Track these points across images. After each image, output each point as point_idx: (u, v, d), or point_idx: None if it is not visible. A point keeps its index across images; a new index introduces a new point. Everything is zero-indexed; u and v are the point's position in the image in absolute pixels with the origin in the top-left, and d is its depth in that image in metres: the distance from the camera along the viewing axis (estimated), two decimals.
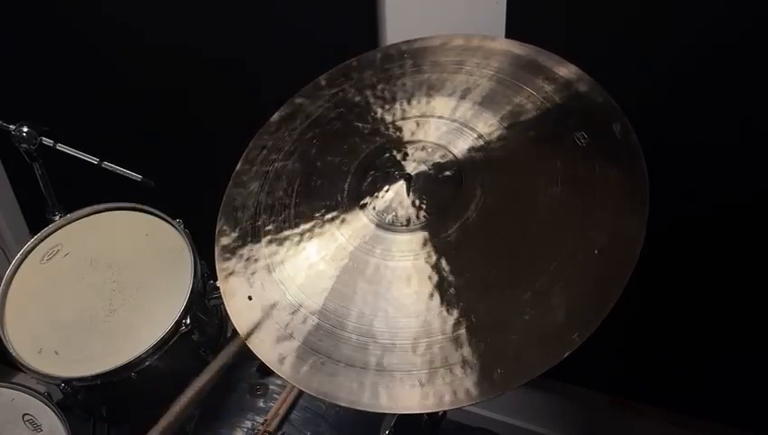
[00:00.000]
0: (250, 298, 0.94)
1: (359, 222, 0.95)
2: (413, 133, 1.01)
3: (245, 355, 0.93)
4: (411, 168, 0.96)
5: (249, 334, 0.91)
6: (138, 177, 1.43)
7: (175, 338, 1.24)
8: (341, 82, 1.10)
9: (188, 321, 1.25)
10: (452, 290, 0.86)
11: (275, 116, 1.11)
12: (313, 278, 0.92)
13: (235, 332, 0.93)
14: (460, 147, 0.96)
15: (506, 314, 0.82)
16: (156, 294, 1.31)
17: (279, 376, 0.88)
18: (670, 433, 1.57)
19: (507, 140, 0.94)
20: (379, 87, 1.07)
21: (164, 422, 0.87)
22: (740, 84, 1.14)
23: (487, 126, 0.96)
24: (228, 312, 0.95)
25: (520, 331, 0.81)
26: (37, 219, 1.52)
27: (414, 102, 1.03)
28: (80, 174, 1.44)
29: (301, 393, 1.25)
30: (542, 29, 1.20)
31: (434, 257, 0.89)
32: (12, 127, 1.42)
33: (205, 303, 1.35)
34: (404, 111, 1.03)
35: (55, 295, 1.34)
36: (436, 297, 0.86)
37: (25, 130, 1.41)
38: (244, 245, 0.99)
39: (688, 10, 1.10)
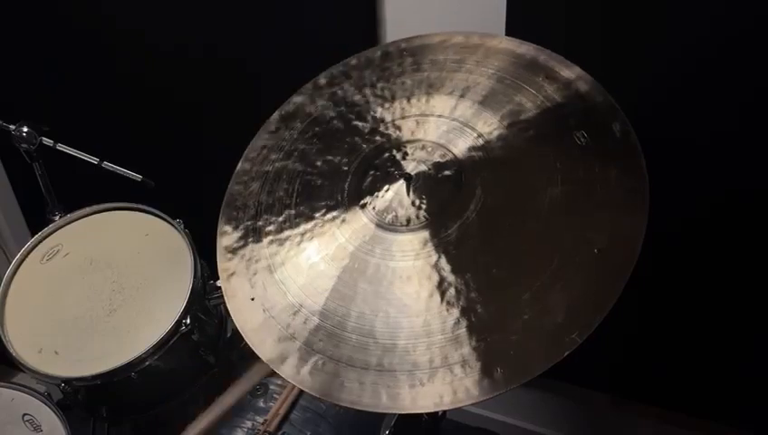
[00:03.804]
0: (252, 299, 0.94)
1: (359, 222, 0.95)
2: (413, 132, 1.01)
3: (246, 356, 0.93)
4: (411, 167, 0.96)
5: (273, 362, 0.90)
6: (138, 177, 1.43)
7: (175, 338, 1.24)
8: (341, 81, 1.10)
9: (188, 321, 1.25)
10: (452, 290, 0.86)
11: (275, 115, 1.11)
12: (314, 278, 0.92)
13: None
14: (460, 146, 0.96)
15: (506, 313, 0.82)
16: (156, 294, 1.31)
17: (279, 376, 0.88)
18: (670, 433, 1.57)
19: (507, 139, 0.94)
20: (379, 86, 1.07)
21: None
22: (740, 84, 1.14)
23: (487, 125, 0.96)
24: (230, 312, 0.95)
25: (520, 330, 0.81)
26: (37, 219, 1.52)
27: (414, 101, 1.03)
28: (80, 174, 1.44)
29: (301, 393, 1.25)
30: (542, 28, 1.20)
31: (434, 257, 0.89)
32: (12, 127, 1.42)
33: (205, 303, 1.35)
34: (403, 109, 1.03)
35: (55, 295, 1.34)
36: (436, 297, 0.86)
37: (25, 130, 1.42)
38: (245, 245, 0.99)
39: (688, 10, 1.10)
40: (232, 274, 0.98)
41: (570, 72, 0.97)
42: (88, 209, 1.47)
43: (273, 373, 0.89)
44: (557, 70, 0.97)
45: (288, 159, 1.05)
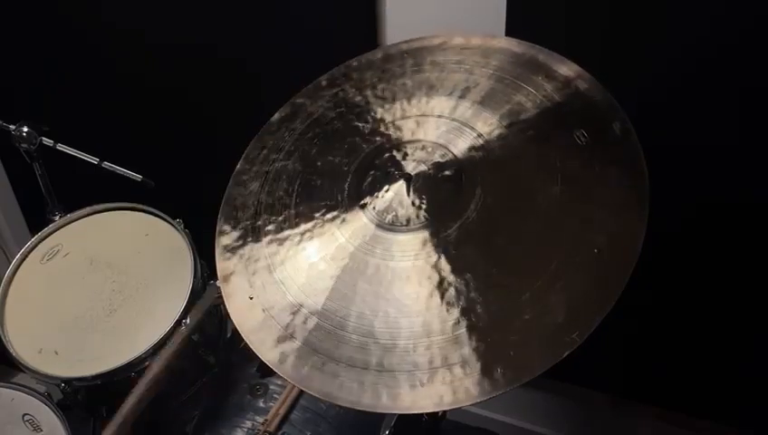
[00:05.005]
0: (251, 298, 0.94)
1: (359, 222, 0.95)
2: (413, 133, 1.01)
3: (246, 356, 0.93)
4: (411, 167, 0.96)
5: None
6: (138, 177, 1.43)
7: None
8: (342, 82, 1.10)
9: (188, 321, 1.25)
10: (452, 290, 0.86)
11: (276, 116, 1.11)
12: (314, 278, 0.92)
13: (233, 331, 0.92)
14: (460, 146, 0.96)
15: (506, 313, 0.82)
16: (156, 294, 1.31)
17: (279, 376, 0.88)
18: (670, 433, 1.57)
19: (507, 138, 0.94)
20: (380, 87, 1.07)
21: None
22: (740, 84, 1.14)
23: (487, 125, 0.96)
24: (229, 312, 0.95)
25: (520, 330, 0.81)
26: (37, 219, 1.52)
27: (414, 102, 1.03)
28: (80, 174, 1.44)
29: (301, 393, 1.25)
30: (542, 27, 1.20)
31: (434, 257, 0.89)
32: (12, 127, 1.42)
33: None
34: (404, 110, 1.03)
35: (55, 295, 1.34)
36: (436, 297, 0.86)
37: (25, 130, 1.42)
38: (244, 245, 0.99)
39: (688, 10, 1.10)
40: (231, 273, 0.98)
41: (569, 70, 0.97)
42: (88, 209, 1.47)
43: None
44: (556, 69, 0.97)
45: (288, 159, 1.06)
